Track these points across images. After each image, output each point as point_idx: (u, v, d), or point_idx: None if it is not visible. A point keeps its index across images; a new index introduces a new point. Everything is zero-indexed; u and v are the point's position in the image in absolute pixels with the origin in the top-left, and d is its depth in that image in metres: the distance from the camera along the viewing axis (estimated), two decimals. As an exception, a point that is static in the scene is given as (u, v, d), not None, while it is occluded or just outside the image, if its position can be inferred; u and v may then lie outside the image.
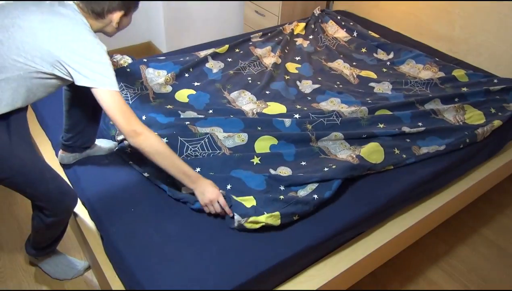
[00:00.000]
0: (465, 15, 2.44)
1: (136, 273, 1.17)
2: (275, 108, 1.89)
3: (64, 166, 1.58)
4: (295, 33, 2.67)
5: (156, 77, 1.99)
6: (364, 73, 2.29)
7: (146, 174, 1.49)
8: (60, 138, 1.53)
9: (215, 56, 2.24)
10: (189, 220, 1.34)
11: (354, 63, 2.40)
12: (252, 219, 1.29)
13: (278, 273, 1.26)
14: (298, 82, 2.16)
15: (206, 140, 1.60)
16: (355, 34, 2.69)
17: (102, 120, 1.69)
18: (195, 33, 3.30)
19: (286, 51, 2.44)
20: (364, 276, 1.58)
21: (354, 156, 1.57)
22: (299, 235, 1.32)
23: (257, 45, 2.44)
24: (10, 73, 1.10)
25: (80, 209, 1.49)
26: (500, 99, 2.07)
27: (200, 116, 1.75)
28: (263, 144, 1.64)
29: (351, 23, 2.75)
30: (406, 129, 1.78)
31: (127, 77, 1.92)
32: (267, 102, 1.93)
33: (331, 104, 1.98)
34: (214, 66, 2.17)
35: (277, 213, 1.31)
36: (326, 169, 1.51)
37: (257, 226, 1.30)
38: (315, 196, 1.39)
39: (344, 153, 1.64)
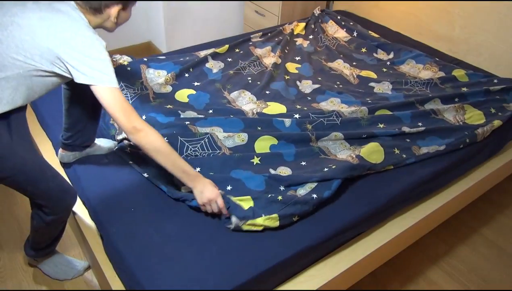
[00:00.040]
0: (465, 15, 2.44)
1: (136, 273, 1.17)
2: (275, 108, 1.89)
3: (64, 165, 1.58)
4: (295, 33, 2.67)
5: (156, 77, 1.99)
6: (364, 73, 2.29)
7: (145, 175, 1.49)
8: (60, 137, 1.54)
9: (215, 56, 2.24)
10: (189, 220, 1.34)
11: (354, 63, 2.40)
12: (250, 222, 1.29)
13: (278, 273, 1.26)
14: (298, 82, 2.16)
15: (206, 140, 1.60)
16: (355, 34, 2.69)
17: (101, 119, 1.69)
18: (195, 33, 3.30)
19: (286, 51, 2.44)
20: (364, 276, 1.58)
21: (354, 156, 1.57)
22: (299, 235, 1.32)
23: (257, 45, 2.44)
24: (10, 72, 1.10)
25: (80, 209, 1.49)
26: (500, 99, 2.07)
27: (200, 116, 1.75)
28: (263, 144, 1.64)
29: (351, 23, 2.75)
30: (406, 129, 1.78)
31: (127, 77, 1.92)
32: (267, 102, 1.93)
33: (331, 104, 1.98)
34: (214, 66, 2.17)
35: (275, 215, 1.31)
36: (326, 169, 1.51)
37: (255, 228, 1.30)
38: (314, 196, 1.39)
39: (344, 153, 1.64)
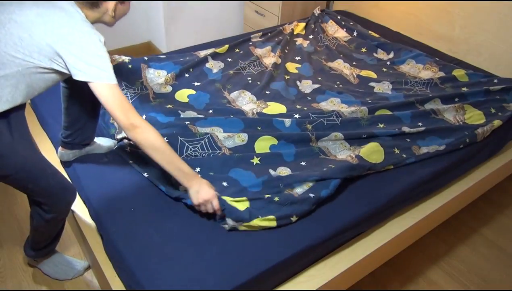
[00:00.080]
0: (465, 15, 2.44)
1: (136, 273, 1.17)
2: (275, 108, 1.89)
3: (64, 164, 1.58)
4: (295, 33, 2.67)
5: (156, 77, 1.99)
6: (364, 73, 2.29)
7: (145, 174, 1.48)
8: (60, 135, 1.54)
9: (215, 56, 2.24)
10: (189, 220, 1.34)
11: (354, 63, 2.40)
12: (246, 224, 1.29)
13: (278, 273, 1.26)
14: (298, 82, 2.15)
15: (206, 141, 1.60)
16: (355, 34, 2.69)
17: (101, 118, 1.69)
18: (195, 33, 3.30)
19: (286, 51, 2.44)
20: (364, 276, 1.58)
21: (354, 156, 1.57)
22: (299, 235, 1.32)
23: (257, 45, 2.44)
24: (9, 70, 1.10)
25: (80, 208, 1.49)
26: (500, 99, 2.07)
27: (200, 116, 1.75)
28: (263, 144, 1.64)
29: (351, 23, 2.75)
30: (406, 129, 1.78)
31: (127, 76, 1.92)
32: (267, 102, 1.93)
33: (331, 104, 1.98)
34: (214, 66, 2.17)
35: (272, 216, 1.31)
36: (325, 169, 1.51)
37: (252, 229, 1.30)
38: (312, 195, 1.40)
39: (344, 153, 1.64)
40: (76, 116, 1.47)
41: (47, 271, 1.64)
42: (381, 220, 1.53)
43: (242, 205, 1.33)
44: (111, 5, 1.24)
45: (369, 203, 1.46)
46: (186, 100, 1.89)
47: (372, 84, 2.19)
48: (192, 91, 1.95)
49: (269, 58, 2.32)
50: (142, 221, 1.32)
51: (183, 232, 1.30)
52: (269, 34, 2.58)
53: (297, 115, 1.80)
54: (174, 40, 3.20)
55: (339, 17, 2.81)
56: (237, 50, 2.37)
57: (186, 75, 2.06)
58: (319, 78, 2.20)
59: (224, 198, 1.33)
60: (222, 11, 3.35)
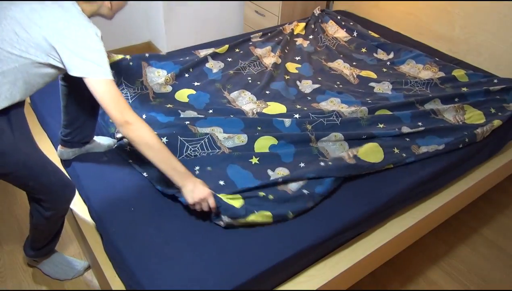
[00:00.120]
0: (465, 15, 2.44)
1: (136, 273, 1.17)
2: (275, 108, 1.89)
3: (64, 164, 1.58)
4: (295, 33, 2.67)
5: (156, 77, 1.99)
6: (364, 73, 2.29)
7: (145, 174, 1.48)
8: (59, 133, 1.54)
9: (215, 56, 2.24)
10: (189, 220, 1.34)
11: (354, 63, 2.40)
12: (241, 220, 1.29)
13: (278, 273, 1.26)
14: (298, 82, 2.16)
15: (206, 141, 1.60)
16: (355, 34, 2.69)
17: (101, 117, 1.69)
18: (195, 33, 3.30)
19: (286, 51, 2.44)
20: (364, 276, 1.58)
21: (351, 156, 1.56)
22: (299, 235, 1.32)
23: (257, 45, 2.44)
24: (6, 66, 1.10)
25: (80, 208, 1.49)
26: (500, 99, 2.07)
27: (200, 116, 1.75)
28: (263, 143, 1.64)
29: (351, 23, 2.75)
30: (405, 130, 1.78)
31: (127, 75, 1.91)
32: (267, 102, 1.93)
33: (331, 104, 1.98)
34: (214, 66, 2.17)
35: (268, 213, 1.32)
36: (322, 164, 1.50)
37: (247, 224, 1.31)
38: (305, 191, 1.40)
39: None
40: (75, 114, 1.47)
41: (47, 271, 1.64)
42: (381, 220, 1.53)
43: (237, 202, 1.33)
44: None
45: (369, 203, 1.46)
46: (186, 100, 1.89)
47: (372, 84, 2.19)
48: (192, 91, 1.95)
49: (269, 58, 2.32)
50: (142, 221, 1.32)
51: (183, 232, 1.30)
52: (269, 34, 2.58)
53: (297, 115, 1.80)
54: (174, 40, 3.20)
55: (339, 17, 2.81)
56: (237, 50, 2.37)
57: (186, 75, 2.06)
58: (319, 78, 2.20)
59: (219, 195, 1.32)
60: (222, 11, 3.35)
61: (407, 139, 1.74)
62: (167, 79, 1.97)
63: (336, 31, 2.74)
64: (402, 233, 1.54)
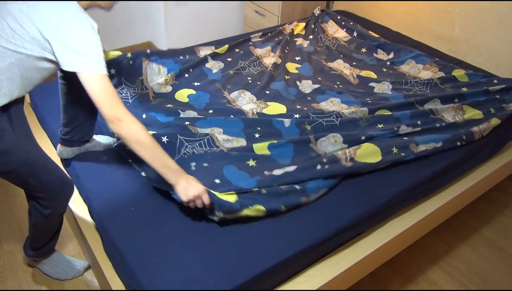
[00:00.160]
0: (465, 15, 2.44)
1: (136, 273, 1.17)
2: (275, 108, 1.89)
3: (64, 163, 1.58)
4: (295, 33, 2.67)
5: (157, 76, 1.98)
6: (364, 73, 2.29)
7: (143, 173, 1.48)
8: (59, 132, 1.53)
9: (215, 56, 2.23)
10: (190, 220, 1.34)
11: (354, 63, 2.40)
12: (236, 214, 1.29)
13: (278, 273, 1.26)
14: (298, 82, 2.16)
15: (205, 141, 1.60)
16: (355, 34, 2.69)
17: (100, 116, 1.69)
18: (195, 33, 3.30)
19: (286, 51, 2.44)
20: (364, 276, 1.58)
21: (348, 158, 1.56)
22: (299, 235, 1.32)
23: (257, 45, 2.44)
24: (2, 62, 1.09)
25: (80, 208, 1.49)
26: (500, 99, 2.07)
27: (200, 116, 1.74)
28: (262, 145, 1.63)
29: (351, 23, 2.75)
30: (403, 130, 1.77)
31: (127, 73, 1.89)
32: (267, 102, 1.93)
33: (331, 104, 1.98)
34: (214, 66, 2.17)
35: (262, 207, 1.32)
36: (318, 167, 1.50)
37: (240, 217, 1.31)
38: (298, 187, 1.41)
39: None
40: (74, 113, 1.46)
41: (47, 271, 1.64)
42: (381, 220, 1.53)
43: (231, 197, 1.33)
44: None
45: (369, 203, 1.46)
46: (186, 100, 1.89)
47: (372, 84, 2.19)
48: (192, 91, 1.95)
49: (269, 58, 2.32)
50: (142, 221, 1.32)
51: (184, 232, 1.30)
52: (269, 34, 2.58)
53: (297, 116, 1.80)
54: (174, 40, 3.21)
55: (339, 17, 2.81)
56: (237, 50, 2.37)
57: (186, 75, 2.06)
58: (319, 78, 2.20)
59: (214, 192, 1.31)
60: (222, 11, 3.35)
61: (405, 138, 1.74)
62: (167, 79, 1.97)
63: (336, 31, 2.74)
64: (402, 233, 1.54)
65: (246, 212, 1.31)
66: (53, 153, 1.63)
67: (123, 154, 1.57)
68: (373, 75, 2.28)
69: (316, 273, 1.35)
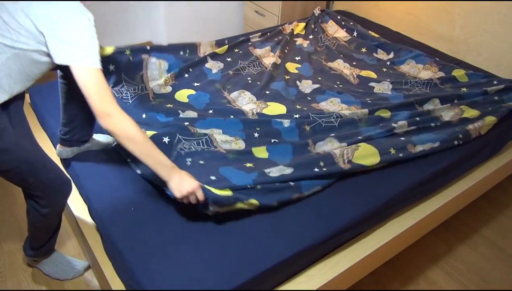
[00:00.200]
0: (465, 15, 2.44)
1: (136, 273, 1.17)
2: (275, 108, 1.89)
3: (63, 164, 1.58)
4: (295, 33, 2.67)
5: (157, 70, 1.95)
6: (364, 73, 2.29)
7: (138, 171, 1.47)
8: (58, 132, 1.53)
9: (214, 56, 2.23)
10: (190, 220, 1.34)
11: (354, 63, 2.40)
12: (228, 208, 1.29)
13: (278, 273, 1.26)
14: (298, 82, 2.15)
15: (204, 140, 1.60)
16: (355, 34, 2.69)
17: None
18: (195, 33, 3.31)
19: (286, 51, 2.44)
20: (364, 276, 1.58)
21: (346, 161, 1.56)
22: (299, 235, 1.32)
23: (256, 45, 2.44)
24: None
25: (80, 208, 1.49)
26: (499, 100, 2.06)
27: (199, 117, 1.74)
28: (261, 148, 1.62)
29: (351, 23, 2.75)
30: (399, 126, 1.76)
31: (127, 69, 1.86)
32: (267, 102, 1.93)
33: (331, 104, 1.98)
34: (214, 66, 2.17)
35: (255, 201, 1.33)
36: (316, 169, 1.50)
37: (232, 210, 1.32)
38: (291, 183, 1.41)
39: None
40: (74, 112, 1.46)
41: (47, 271, 1.64)
42: (381, 220, 1.53)
43: (225, 193, 1.32)
44: None
45: (369, 203, 1.46)
46: (186, 100, 1.89)
47: (372, 84, 2.19)
48: (192, 92, 1.95)
49: (268, 58, 2.32)
50: (142, 221, 1.32)
51: (184, 232, 1.30)
52: (268, 34, 2.58)
53: (296, 116, 1.80)
54: (174, 40, 3.20)
55: (339, 17, 2.81)
56: (236, 50, 2.36)
57: (186, 75, 2.06)
58: (319, 78, 2.20)
59: (208, 187, 1.29)
60: (222, 11, 3.35)
61: (402, 139, 1.73)
62: (166, 79, 1.97)
63: (336, 31, 2.73)
64: (402, 233, 1.54)
65: (240, 205, 1.31)
66: (53, 152, 1.62)
67: (122, 153, 1.56)
68: (373, 75, 2.28)
69: (316, 273, 1.35)
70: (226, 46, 2.31)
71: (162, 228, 1.30)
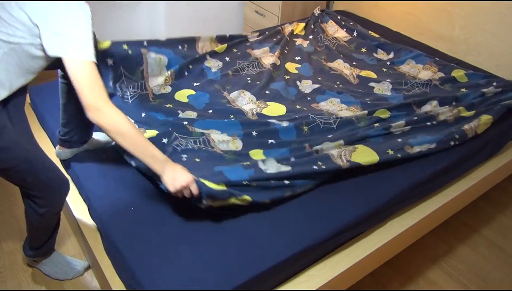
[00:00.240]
0: (465, 15, 2.44)
1: (136, 273, 1.17)
2: (275, 108, 1.89)
3: (63, 164, 1.58)
4: (294, 33, 2.67)
5: (157, 66, 1.94)
6: (364, 73, 2.29)
7: (133, 163, 1.46)
8: (57, 133, 1.53)
9: (213, 54, 2.22)
10: (190, 220, 1.34)
11: (354, 63, 2.40)
12: (221, 202, 1.29)
13: (278, 273, 1.26)
14: (298, 82, 2.15)
15: (201, 140, 1.60)
16: (355, 34, 2.69)
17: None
18: (195, 33, 3.29)
19: (285, 51, 2.43)
20: (364, 276, 1.58)
21: (345, 161, 1.56)
22: (299, 235, 1.32)
23: (255, 46, 2.43)
24: None
25: (80, 208, 1.49)
26: (497, 101, 2.05)
27: (198, 117, 1.74)
28: (258, 151, 1.62)
29: (351, 23, 2.75)
30: (396, 125, 1.76)
31: (127, 63, 1.84)
32: (267, 102, 1.93)
33: (330, 104, 1.98)
34: (213, 65, 2.17)
35: (249, 198, 1.32)
36: (315, 167, 1.49)
37: (226, 205, 1.32)
38: (286, 182, 1.41)
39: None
40: (74, 112, 1.46)
41: (47, 271, 1.64)
42: (381, 220, 1.53)
43: (220, 188, 1.31)
44: None
45: (369, 203, 1.46)
46: (186, 100, 1.89)
47: (372, 84, 2.19)
48: (192, 92, 1.95)
49: (267, 58, 2.32)
50: (142, 221, 1.32)
51: (183, 232, 1.30)
52: (266, 33, 2.57)
53: (296, 116, 1.80)
54: (174, 40, 3.20)
55: (339, 17, 2.81)
56: (234, 50, 2.35)
57: (186, 73, 2.05)
58: (319, 78, 2.20)
59: (202, 180, 1.27)
60: (222, 11, 3.35)
61: (399, 140, 1.72)
62: (166, 79, 1.97)
63: (336, 31, 2.73)
64: (402, 233, 1.54)
65: (233, 200, 1.30)
66: (52, 153, 1.62)
67: (119, 149, 1.54)
68: (373, 75, 2.28)
69: (316, 273, 1.35)
70: (225, 45, 2.31)
71: (162, 228, 1.30)
